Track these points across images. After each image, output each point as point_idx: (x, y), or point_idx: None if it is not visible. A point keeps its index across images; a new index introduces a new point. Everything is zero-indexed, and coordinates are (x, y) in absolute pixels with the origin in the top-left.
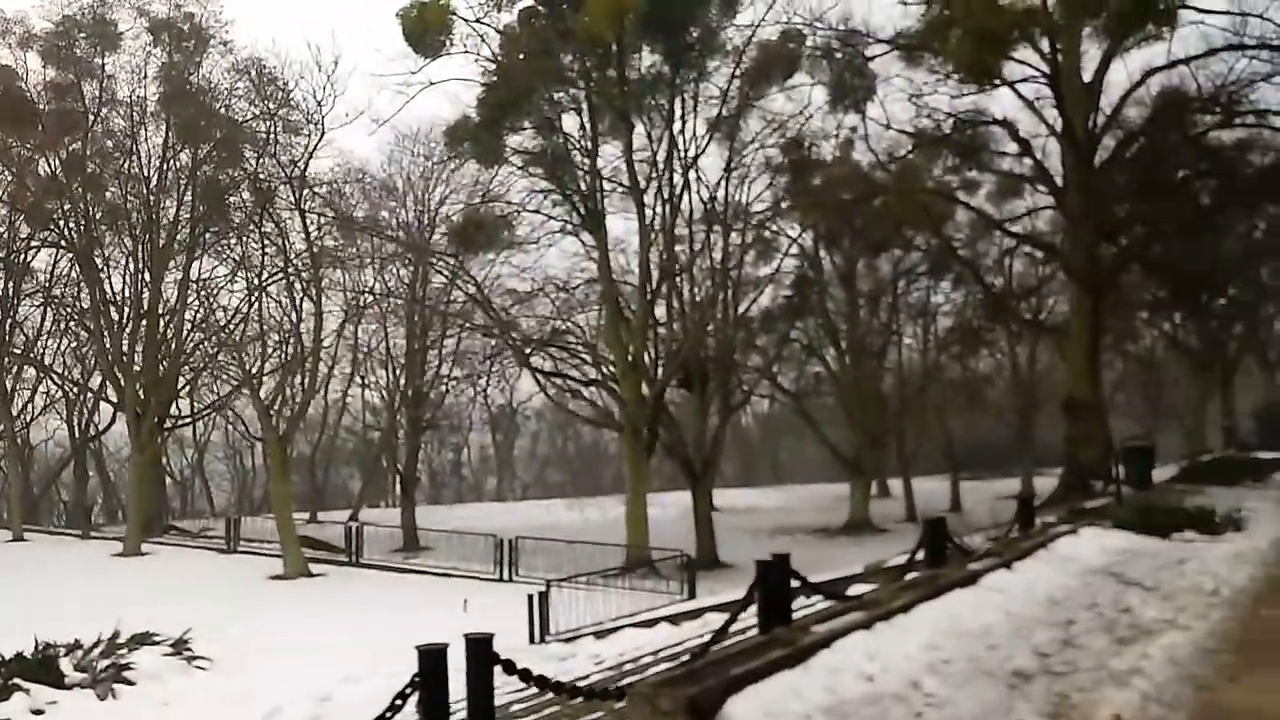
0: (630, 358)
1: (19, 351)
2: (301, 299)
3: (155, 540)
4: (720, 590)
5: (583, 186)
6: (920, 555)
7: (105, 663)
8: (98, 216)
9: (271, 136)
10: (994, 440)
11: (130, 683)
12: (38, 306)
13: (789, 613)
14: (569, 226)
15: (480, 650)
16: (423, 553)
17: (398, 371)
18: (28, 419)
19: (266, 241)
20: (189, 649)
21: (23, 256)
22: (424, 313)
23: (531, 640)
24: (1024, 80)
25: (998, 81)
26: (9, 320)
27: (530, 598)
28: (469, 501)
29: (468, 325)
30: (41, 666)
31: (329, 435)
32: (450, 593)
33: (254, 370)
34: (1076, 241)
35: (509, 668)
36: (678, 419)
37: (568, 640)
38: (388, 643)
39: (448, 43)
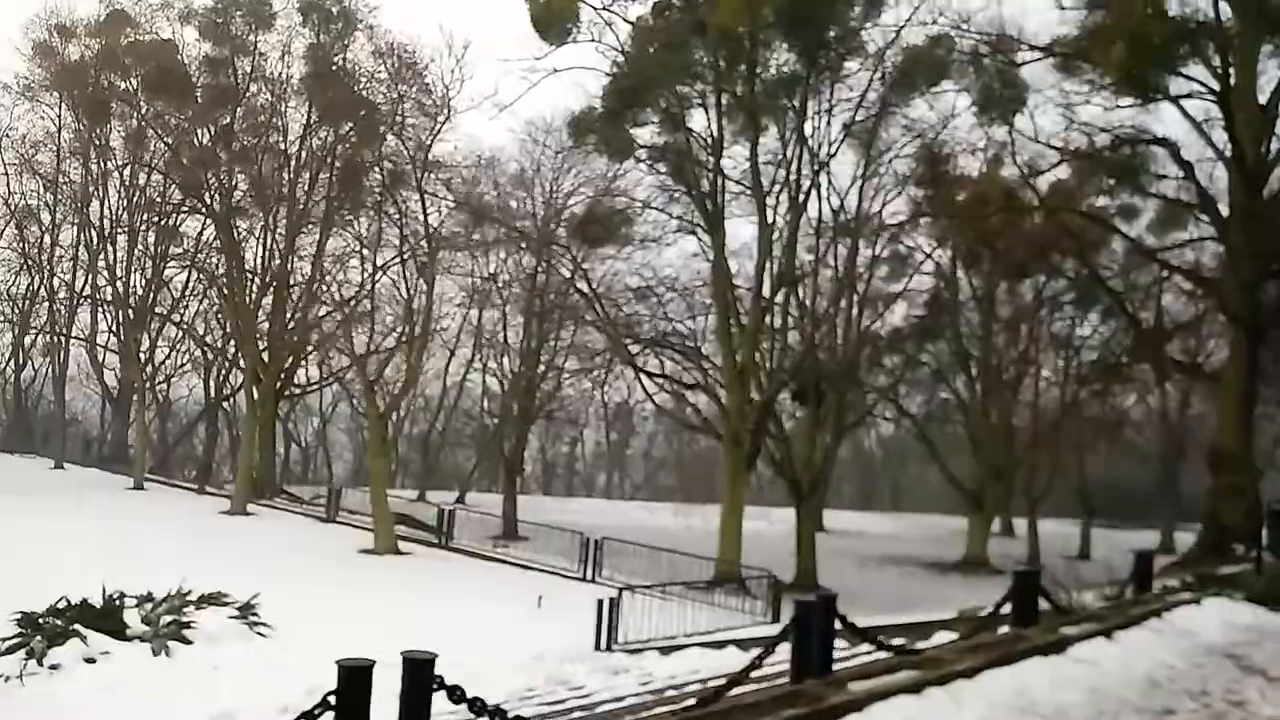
0: (738, 365)
1: (163, 312)
2: (417, 280)
3: (264, 502)
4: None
5: (705, 185)
6: (1007, 609)
7: (169, 619)
8: (241, 187)
9: (402, 118)
10: (1135, 488)
11: (188, 641)
12: (182, 269)
13: (829, 662)
14: (688, 226)
15: (418, 672)
16: (520, 542)
17: (513, 360)
18: (167, 375)
19: (388, 221)
20: (255, 614)
21: (172, 220)
22: (541, 303)
23: (597, 647)
24: (1189, 96)
25: (1160, 96)
26: (156, 280)
27: (600, 603)
28: (579, 496)
29: (581, 319)
30: (105, 615)
31: (446, 417)
32: (530, 587)
33: (364, 346)
34: (1237, 276)
35: (455, 694)
36: (790, 435)
37: (633, 651)
38: (446, 630)
39: (575, 31)
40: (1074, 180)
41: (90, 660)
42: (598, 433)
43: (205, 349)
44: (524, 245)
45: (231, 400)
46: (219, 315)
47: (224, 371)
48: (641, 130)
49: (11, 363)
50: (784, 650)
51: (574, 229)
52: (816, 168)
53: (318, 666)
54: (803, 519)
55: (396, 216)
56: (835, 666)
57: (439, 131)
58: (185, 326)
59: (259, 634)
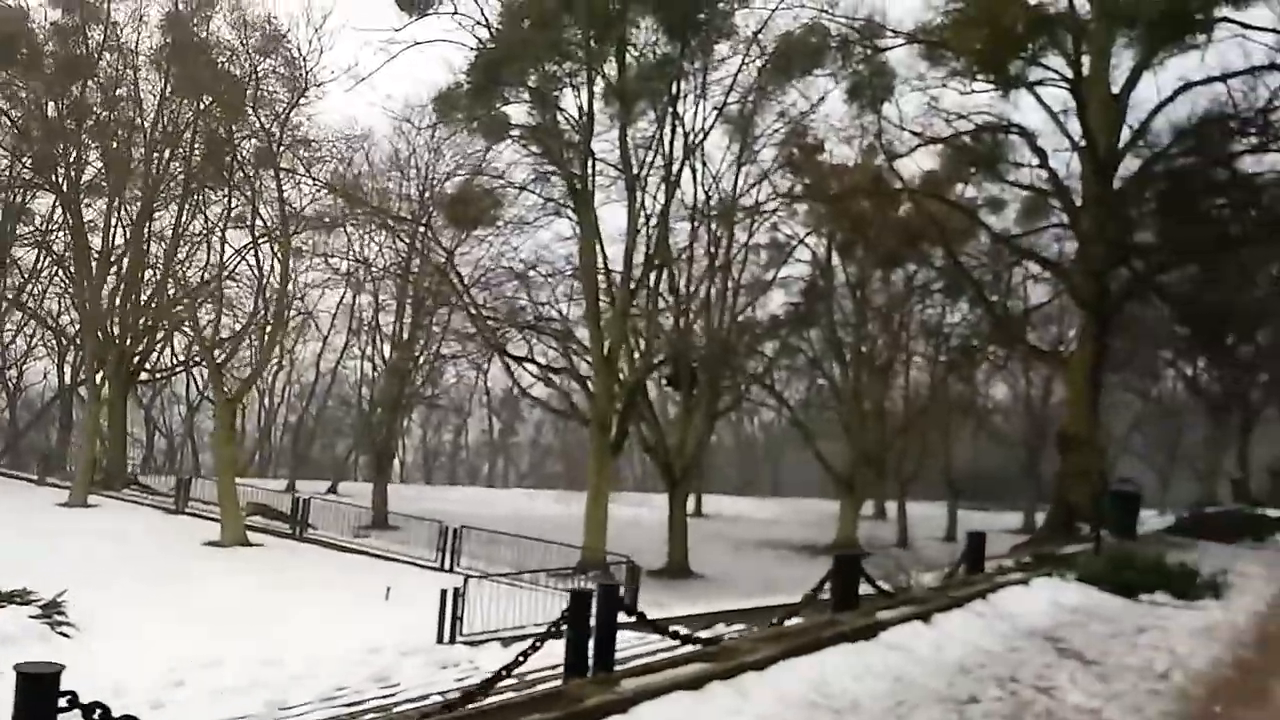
0: (605, 348)
1: (8, 295)
2: (273, 261)
3: (109, 493)
4: (669, 603)
5: (575, 167)
6: (827, 594)
7: None
8: (94, 164)
9: (266, 93)
10: (1000, 472)
11: None
12: (30, 249)
13: (610, 657)
14: (556, 207)
15: (33, 689)
16: (389, 532)
17: (386, 346)
18: (15, 361)
19: (237, 198)
20: (60, 613)
21: (20, 198)
22: (413, 287)
23: (439, 639)
24: (1044, 84)
25: (1018, 84)
26: (3, 261)
27: (443, 594)
28: (462, 485)
29: (451, 304)
30: None
31: (320, 404)
32: (385, 578)
33: (208, 330)
34: (1086, 264)
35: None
36: (666, 421)
37: (476, 643)
38: (279, 626)
39: (438, 2)
40: (942, 171)
41: None
42: (483, 421)
43: (54, 333)
44: (394, 227)
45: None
46: (70, 297)
47: (77, 357)
48: (512, 109)
49: None
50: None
51: (444, 210)
52: (687, 150)
53: (119, 672)
54: (675, 504)
55: (251, 195)
56: (626, 662)
57: (296, 103)
58: (31, 310)
59: (62, 634)
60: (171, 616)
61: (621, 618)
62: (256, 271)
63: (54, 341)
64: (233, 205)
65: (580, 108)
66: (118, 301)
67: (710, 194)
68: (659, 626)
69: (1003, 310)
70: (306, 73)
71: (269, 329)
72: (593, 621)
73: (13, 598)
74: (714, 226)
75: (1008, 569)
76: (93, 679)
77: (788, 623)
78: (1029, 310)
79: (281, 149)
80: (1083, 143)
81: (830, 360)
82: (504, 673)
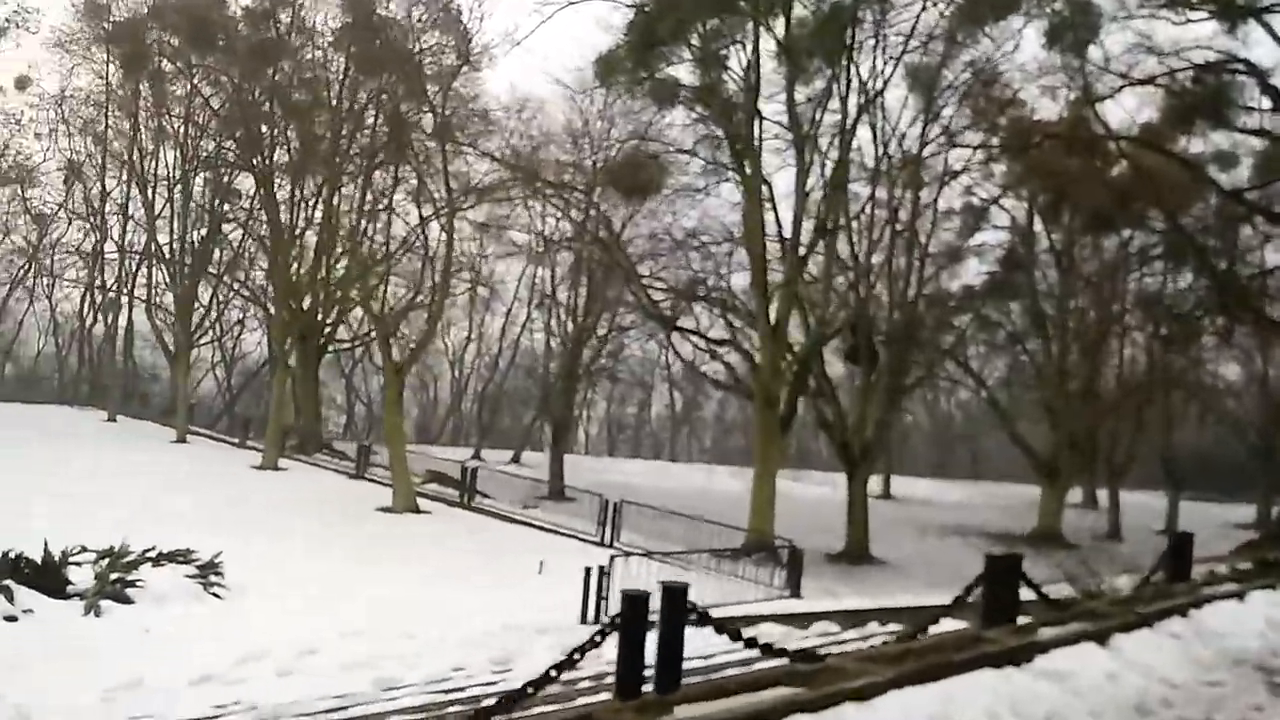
0: (772, 320)
1: (215, 271)
2: (441, 232)
3: (301, 458)
4: (839, 591)
5: (742, 129)
6: (978, 601)
7: (115, 576)
8: (283, 143)
9: (423, 64)
10: (1231, 458)
11: (129, 601)
12: (236, 227)
13: (676, 672)
14: (722, 171)
15: None
16: (565, 504)
17: (564, 317)
18: (223, 332)
19: (405, 172)
20: (217, 573)
21: (227, 179)
22: (584, 259)
23: (584, 619)
24: (1273, 9)
25: (1245, 13)
26: (210, 238)
27: (587, 571)
28: (645, 458)
29: (613, 275)
30: (42, 571)
31: (503, 375)
32: (545, 550)
33: (376, 302)
34: None
35: None
36: (842, 397)
37: None
38: (426, 596)
39: None
40: (1161, 123)
41: (11, 619)
42: (666, 395)
43: (259, 306)
44: (555, 198)
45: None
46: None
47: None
48: (678, 70)
49: (82, 318)
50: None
51: (611, 179)
52: (861, 106)
53: (263, 635)
54: (855, 485)
55: (417, 169)
56: (693, 676)
57: (458, 71)
58: (239, 283)
59: (214, 595)
60: (325, 578)
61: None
62: (423, 245)
63: (261, 314)
64: (404, 179)
65: (746, 64)
66: (304, 274)
67: (890, 153)
68: (736, 634)
69: (1228, 276)
70: (469, 40)
71: (435, 301)
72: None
73: (174, 557)
74: (896, 188)
75: (1219, 577)
76: (229, 643)
77: (926, 633)
78: (1264, 274)
79: (447, 120)
80: None
81: (1032, 335)
82: (541, 682)
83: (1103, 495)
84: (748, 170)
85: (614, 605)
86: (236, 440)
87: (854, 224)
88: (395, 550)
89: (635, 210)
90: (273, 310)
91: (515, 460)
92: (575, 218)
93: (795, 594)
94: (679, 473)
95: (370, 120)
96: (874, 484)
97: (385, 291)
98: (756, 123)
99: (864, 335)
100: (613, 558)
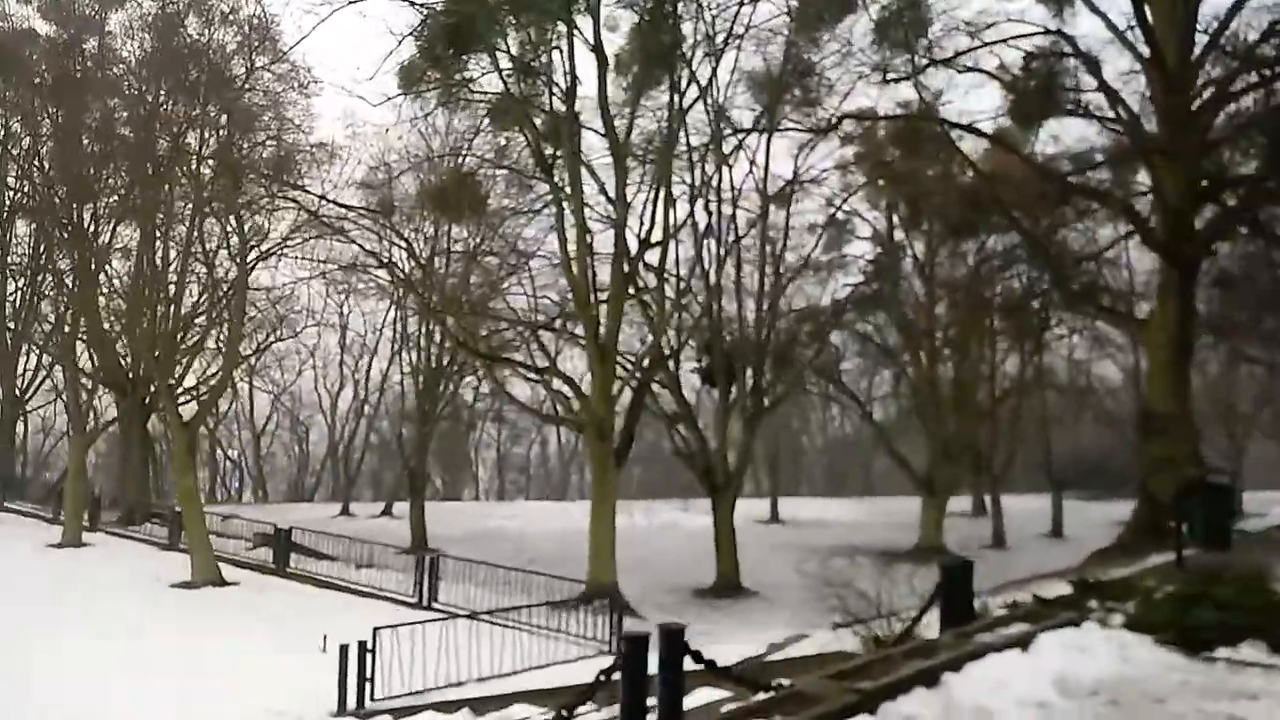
0: (600, 341)
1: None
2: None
3: (115, 529)
4: (711, 631)
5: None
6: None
7: None
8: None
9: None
10: (1114, 457)
11: None
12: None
13: None
14: (528, 179)
15: None
16: (432, 554)
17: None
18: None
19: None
20: None
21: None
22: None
23: (341, 709)
24: None
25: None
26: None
27: (342, 650)
28: (540, 499)
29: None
30: None
31: (368, 424)
32: (353, 617)
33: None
34: (1161, 200)
35: None
36: (699, 420)
37: (398, 712)
38: (185, 683)
39: None
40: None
41: None
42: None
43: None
44: (380, 226)
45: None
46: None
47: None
48: (486, 77)
49: None
50: None
51: (430, 199)
52: (686, 108)
53: None
54: (720, 513)
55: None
56: None
57: (244, 85)
58: (31, 340)
59: None
60: (84, 670)
61: None
62: (209, 283)
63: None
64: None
65: (564, 67)
66: (115, 326)
67: (730, 161)
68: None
69: (1059, 266)
70: (251, 54)
71: (229, 348)
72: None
73: None
74: (737, 199)
75: (1012, 615)
76: None
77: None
78: (1084, 259)
79: (238, 149)
80: (1148, 53)
81: (901, 346)
82: None
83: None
84: (562, 182)
85: (386, 685)
86: (50, 515)
87: (704, 239)
88: (168, 631)
89: (457, 234)
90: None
91: (386, 512)
92: (384, 248)
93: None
94: (571, 512)
95: (193, 158)
96: (762, 508)
97: (169, 337)
98: (574, 128)
99: (718, 355)
100: (375, 629)
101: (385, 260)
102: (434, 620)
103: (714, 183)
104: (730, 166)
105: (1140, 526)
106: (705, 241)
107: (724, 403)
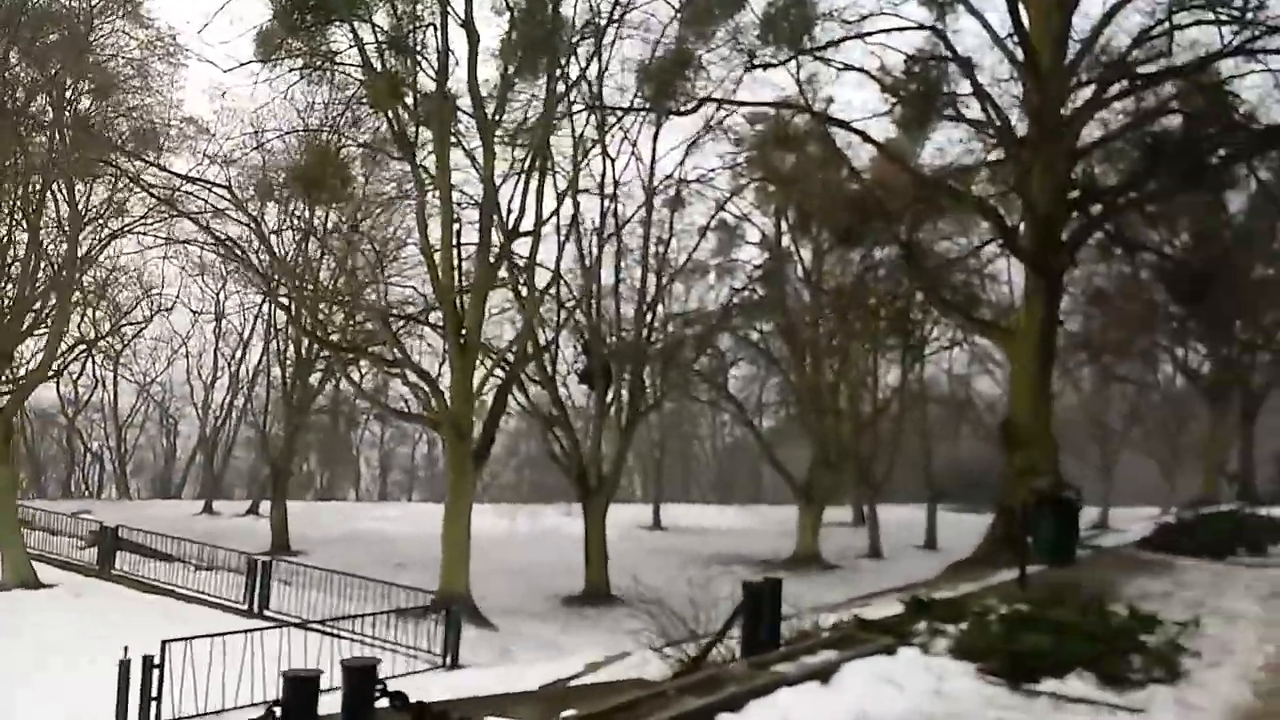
0: (461, 335)
1: None
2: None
3: None
4: (516, 652)
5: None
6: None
7: None
8: None
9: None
10: (990, 470)
11: None
12: None
13: None
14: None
15: None
16: (295, 557)
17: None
18: None
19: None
20: None
21: None
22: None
23: None
24: None
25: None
26: None
27: (122, 666)
28: (424, 500)
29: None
30: None
31: (237, 418)
32: (174, 624)
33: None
34: (1030, 208)
35: None
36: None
37: None
38: None
39: None
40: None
41: None
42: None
43: None
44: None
45: None
46: None
47: None
48: (352, 51)
49: None
50: None
51: (292, 179)
52: (563, 92)
53: None
54: (591, 518)
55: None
56: None
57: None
58: None
59: None
60: None
61: None
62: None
63: None
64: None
65: (419, 43)
66: None
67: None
68: None
69: (929, 276)
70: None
71: (50, 331)
72: None
73: None
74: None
75: (817, 643)
76: None
77: None
78: (945, 265)
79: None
80: (1022, 56)
81: (785, 354)
82: None
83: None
84: (424, 163)
85: (176, 705)
86: None
87: (584, 233)
88: None
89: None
90: None
91: (253, 511)
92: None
93: (454, 662)
94: (437, 514)
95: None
96: (645, 514)
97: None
98: (446, 112)
99: (597, 355)
100: (165, 643)
101: (221, 238)
102: (248, 630)
103: (595, 174)
104: (612, 159)
105: (997, 539)
106: (585, 237)
107: (601, 405)
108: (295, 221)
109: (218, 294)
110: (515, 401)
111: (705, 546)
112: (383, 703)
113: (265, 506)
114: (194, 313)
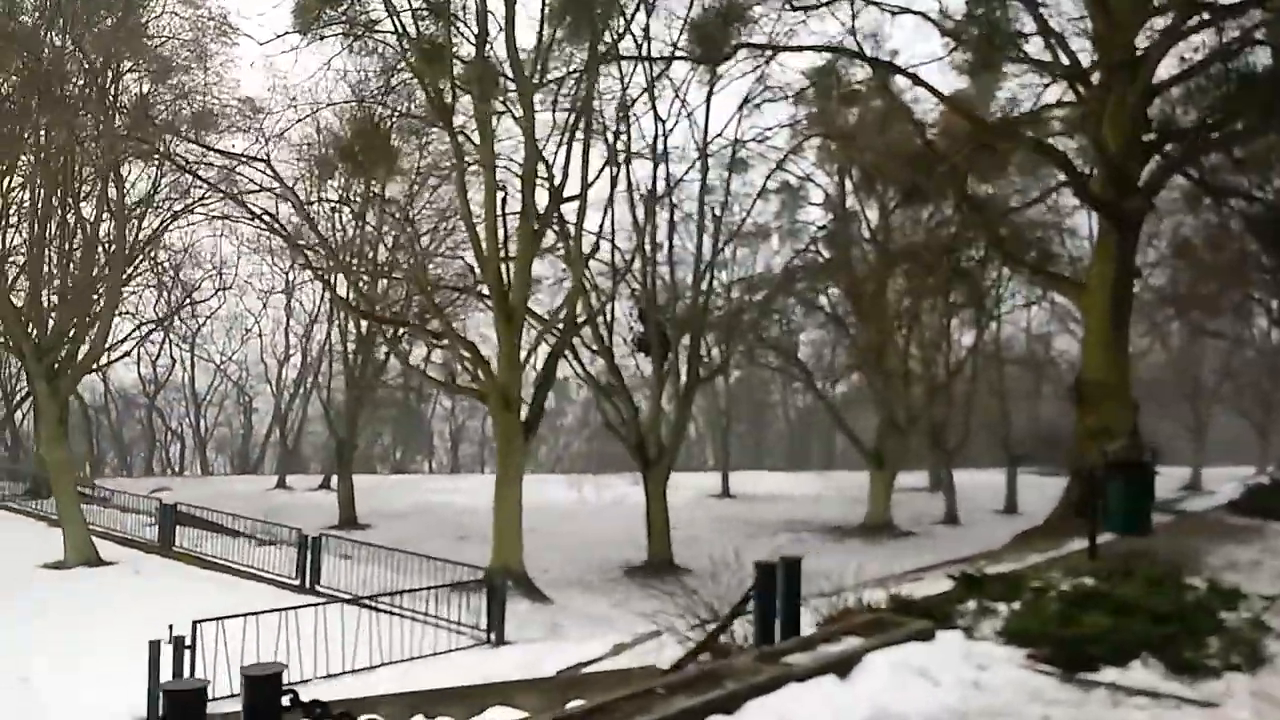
0: (507, 306)
1: None
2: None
3: (15, 505)
4: (567, 627)
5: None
6: None
7: None
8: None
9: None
10: (1072, 430)
11: None
12: None
13: None
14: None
15: None
16: (361, 531)
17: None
18: None
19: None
20: None
21: None
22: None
23: (152, 714)
24: None
25: None
26: None
27: (153, 648)
28: (490, 473)
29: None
30: None
31: (305, 394)
32: (230, 601)
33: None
34: (1101, 150)
35: None
36: (632, 390)
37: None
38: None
39: None
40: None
41: None
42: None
43: None
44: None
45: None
46: None
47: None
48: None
49: None
50: None
51: (340, 155)
52: (604, 53)
53: None
54: (652, 488)
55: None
56: None
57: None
58: None
59: None
60: None
61: None
62: (84, 238)
63: None
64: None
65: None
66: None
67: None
68: None
69: (992, 226)
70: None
71: (102, 307)
72: None
73: None
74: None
75: (840, 629)
76: None
77: None
78: (1007, 212)
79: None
80: None
81: (851, 317)
82: None
83: (961, 476)
84: (467, 130)
85: (213, 685)
86: None
87: (635, 196)
88: (6, 617)
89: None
90: None
91: (325, 485)
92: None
93: (500, 639)
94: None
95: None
96: (714, 482)
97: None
98: (487, 76)
99: (653, 322)
100: (196, 623)
101: (258, 213)
102: (283, 609)
103: (649, 137)
104: (663, 121)
105: (1071, 505)
106: (637, 202)
107: (659, 373)
108: (347, 196)
109: (286, 272)
110: (574, 371)
111: (774, 514)
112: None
113: (337, 481)
114: (264, 292)
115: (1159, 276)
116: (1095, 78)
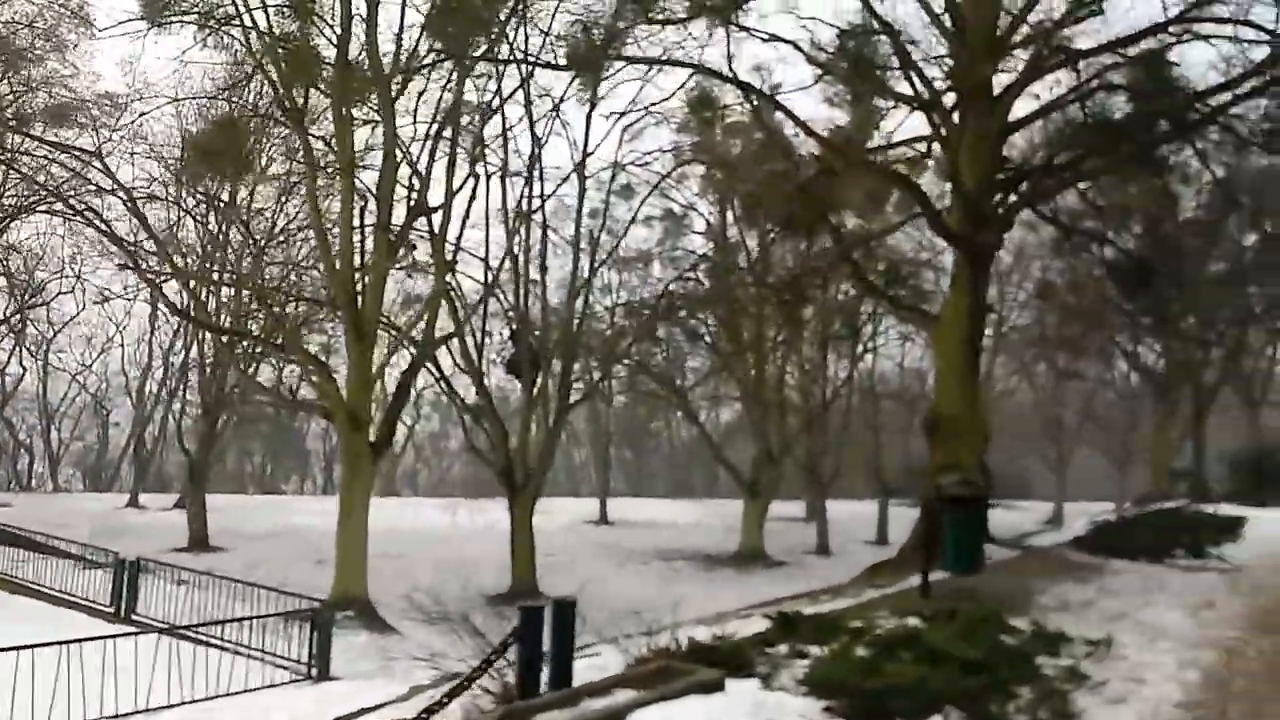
0: (358, 323)
1: None
2: None
3: None
4: (391, 663)
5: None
6: None
7: None
8: None
9: None
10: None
11: None
12: None
13: None
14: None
15: None
16: (204, 556)
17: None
18: None
19: None
20: None
21: None
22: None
23: None
24: None
25: None
26: None
27: None
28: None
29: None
30: None
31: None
32: (37, 628)
33: None
34: (956, 184)
35: None
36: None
37: None
38: None
39: None
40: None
41: None
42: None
43: None
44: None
45: None
46: None
47: None
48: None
49: None
50: None
51: (192, 155)
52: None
53: None
54: (518, 514)
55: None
56: None
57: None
58: None
59: None
60: None
61: None
62: None
63: None
64: None
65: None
66: None
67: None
68: None
69: (849, 254)
70: None
71: None
72: None
73: None
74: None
75: (615, 679)
76: None
77: None
78: (863, 240)
79: None
80: (950, 24)
81: (728, 346)
82: None
83: (829, 506)
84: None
85: None
86: None
87: (510, 218)
88: None
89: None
90: None
91: (180, 505)
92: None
93: (324, 674)
94: (400, 510)
95: None
96: (592, 508)
97: None
98: (347, 79)
99: (525, 343)
100: None
101: (80, 209)
102: (101, 637)
103: (526, 158)
104: (540, 139)
105: (918, 540)
106: (508, 218)
107: (528, 396)
108: (210, 199)
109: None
110: (440, 390)
111: (650, 541)
112: None
113: (226, 499)
114: (127, 299)
115: (1025, 318)
116: (954, 113)
